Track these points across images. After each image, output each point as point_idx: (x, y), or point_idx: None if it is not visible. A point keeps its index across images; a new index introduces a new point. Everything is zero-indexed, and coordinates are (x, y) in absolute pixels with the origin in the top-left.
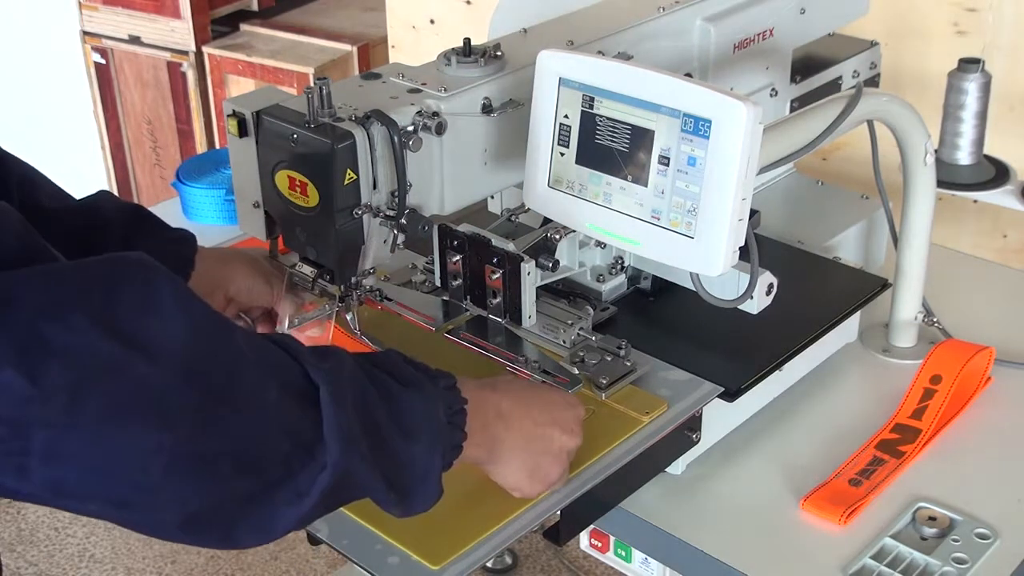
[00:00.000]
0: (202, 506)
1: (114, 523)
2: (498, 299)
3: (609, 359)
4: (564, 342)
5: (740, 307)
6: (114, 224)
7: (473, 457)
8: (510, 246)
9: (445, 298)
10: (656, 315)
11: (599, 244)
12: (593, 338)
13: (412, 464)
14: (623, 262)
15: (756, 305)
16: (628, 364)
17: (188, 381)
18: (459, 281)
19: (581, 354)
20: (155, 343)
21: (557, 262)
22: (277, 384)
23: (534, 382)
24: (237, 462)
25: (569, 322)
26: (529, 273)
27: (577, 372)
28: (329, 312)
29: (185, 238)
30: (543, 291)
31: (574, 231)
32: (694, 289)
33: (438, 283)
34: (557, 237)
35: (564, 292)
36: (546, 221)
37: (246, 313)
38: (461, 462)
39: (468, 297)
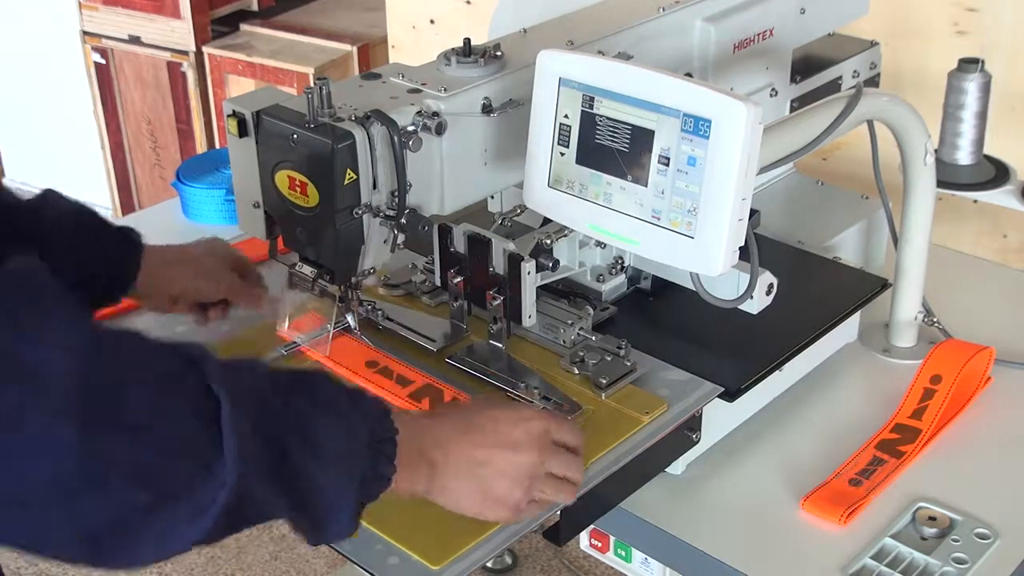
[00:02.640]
0: (99, 522)
1: (29, 556)
2: (498, 299)
3: (609, 359)
4: (564, 342)
5: (740, 307)
6: (57, 228)
7: (409, 490)
8: (510, 246)
9: (447, 319)
10: (656, 315)
11: (599, 244)
12: (593, 338)
13: (321, 489)
14: (623, 262)
15: (756, 305)
16: (628, 364)
17: (75, 403)
18: (459, 280)
19: (581, 354)
20: (41, 368)
21: (557, 262)
22: (175, 400)
23: (484, 402)
24: (131, 476)
25: (569, 322)
26: (529, 273)
27: (578, 400)
28: (330, 323)
29: (129, 240)
30: (543, 291)
31: (573, 231)
32: (694, 289)
33: (438, 283)
34: (548, 242)
35: (564, 292)
36: (546, 221)
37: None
38: (395, 495)
39: (468, 298)
